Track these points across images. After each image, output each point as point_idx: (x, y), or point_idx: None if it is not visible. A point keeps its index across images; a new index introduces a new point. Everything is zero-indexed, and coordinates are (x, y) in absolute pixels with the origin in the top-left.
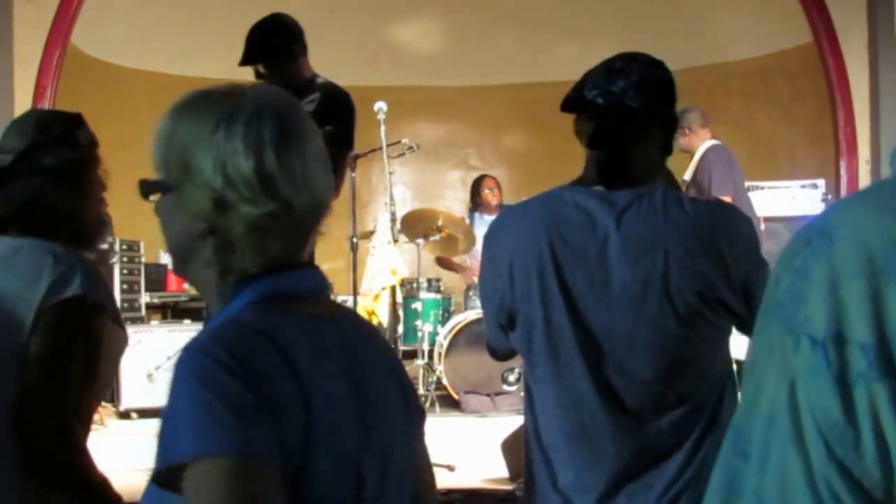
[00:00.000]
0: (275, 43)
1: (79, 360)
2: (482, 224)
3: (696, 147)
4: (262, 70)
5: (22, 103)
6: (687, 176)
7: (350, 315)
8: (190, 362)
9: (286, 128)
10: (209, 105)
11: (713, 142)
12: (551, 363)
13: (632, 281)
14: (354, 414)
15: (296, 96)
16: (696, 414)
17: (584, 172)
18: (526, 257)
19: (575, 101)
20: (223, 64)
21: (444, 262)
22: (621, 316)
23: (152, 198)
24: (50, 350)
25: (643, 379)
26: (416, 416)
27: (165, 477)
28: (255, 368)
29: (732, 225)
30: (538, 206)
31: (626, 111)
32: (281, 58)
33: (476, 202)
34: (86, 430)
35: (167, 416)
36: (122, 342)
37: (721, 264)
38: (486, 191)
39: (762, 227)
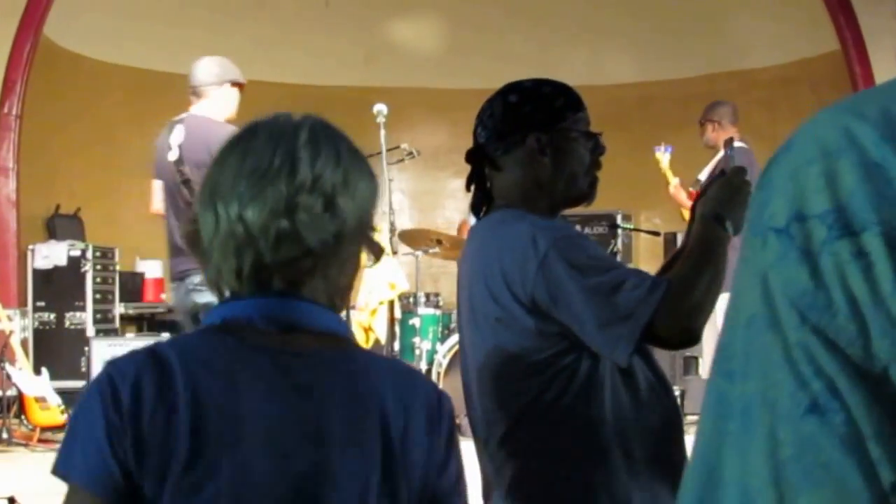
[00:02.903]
0: None
1: None
2: None
3: (720, 144)
4: None
5: None
6: (702, 176)
7: (328, 359)
8: (93, 383)
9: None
10: None
11: (738, 144)
12: None
13: (465, 306)
14: (269, 452)
15: None
16: (519, 426)
17: None
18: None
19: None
20: None
21: None
22: (465, 339)
23: None
24: None
25: (479, 399)
26: (391, 480)
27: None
28: (126, 402)
29: (508, 245)
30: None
31: (480, 150)
32: None
33: None
34: None
35: None
36: None
37: (499, 289)
38: None
39: None
